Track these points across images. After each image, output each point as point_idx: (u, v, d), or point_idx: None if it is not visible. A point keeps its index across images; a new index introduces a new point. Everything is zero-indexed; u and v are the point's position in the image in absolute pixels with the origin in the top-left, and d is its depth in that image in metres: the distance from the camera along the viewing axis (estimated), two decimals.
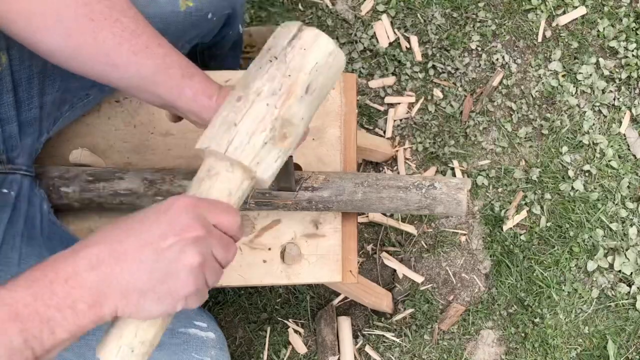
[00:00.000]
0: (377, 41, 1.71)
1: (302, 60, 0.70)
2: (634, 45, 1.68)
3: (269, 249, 1.03)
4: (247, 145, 0.67)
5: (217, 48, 1.23)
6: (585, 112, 1.65)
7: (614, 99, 1.66)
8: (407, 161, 1.63)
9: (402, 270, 1.55)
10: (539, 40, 1.71)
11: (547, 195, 1.59)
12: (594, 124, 1.64)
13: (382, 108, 1.67)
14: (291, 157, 0.88)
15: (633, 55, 1.68)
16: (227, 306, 1.54)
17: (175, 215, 0.62)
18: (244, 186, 0.69)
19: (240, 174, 0.68)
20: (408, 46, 1.71)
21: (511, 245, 1.56)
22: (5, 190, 0.90)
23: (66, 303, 0.57)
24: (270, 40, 0.72)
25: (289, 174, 0.92)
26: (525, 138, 1.64)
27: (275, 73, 0.69)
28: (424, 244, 1.58)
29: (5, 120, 0.89)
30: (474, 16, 1.72)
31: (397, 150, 1.63)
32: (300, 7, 1.75)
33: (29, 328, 0.55)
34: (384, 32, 1.72)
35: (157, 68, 0.75)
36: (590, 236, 1.56)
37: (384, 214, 1.58)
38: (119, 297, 0.59)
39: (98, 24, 0.73)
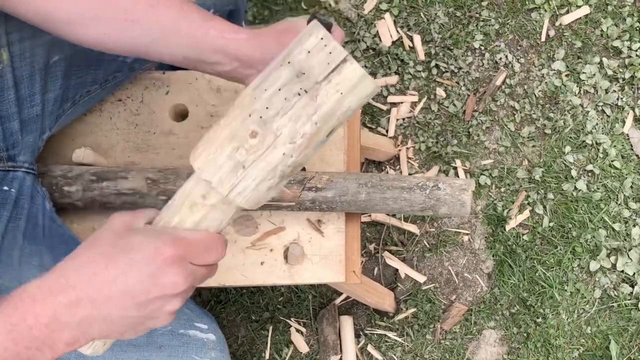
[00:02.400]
0: (380, 40, 1.71)
1: (336, 105, 0.59)
2: (638, 45, 1.67)
3: (271, 249, 1.03)
4: (252, 193, 0.62)
5: None
6: (588, 111, 1.64)
7: (618, 99, 1.65)
8: (409, 160, 1.63)
9: (404, 269, 1.55)
10: (543, 39, 1.70)
11: (550, 195, 1.58)
12: (597, 124, 1.63)
13: (384, 107, 1.67)
14: None
15: (637, 55, 1.67)
16: (229, 305, 1.53)
17: (161, 271, 0.59)
18: (236, 215, 0.66)
19: (235, 207, 0.64)
20: (411, 45, 1.70)
21: (514, 245, 1.56)
22: (5, 188, 0.89)
23: (46, 344, 0.58)
24: (299, 52, 0.59)
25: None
26: (528, 138, 1.63)
27: (300, 113, 0.59)
28: (427, 244, 1.58)
29: (6, 117, 0.89)
30: (477, 15, 1.72)
31: (399, 150, 1.63)
32: (303, 5, 1.75)
33: None
34: (386, 30, 1.71)
35: (177, 15, 0.75)
36: (593, 236, 1.55)
37: (387, 214, 1.58)
38: (97, 334, 0.60)
39: None
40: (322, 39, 0.58)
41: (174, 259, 0.59)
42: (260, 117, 0.59)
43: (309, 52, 0.58)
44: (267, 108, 0.59)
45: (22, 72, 0.88)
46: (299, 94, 0.58)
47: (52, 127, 0.97)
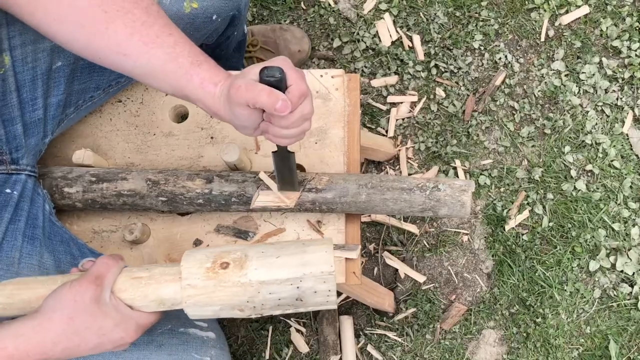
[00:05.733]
0: (380, 40, 1.71)
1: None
2: (637, 44, 1.67)
3: None
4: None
5: (222, 49, 1.23)
6: (587, 111, 1.64)
7: (617, 99, 1.65)
8: (409, 160, 1.63)
9: (404, 269, 1.55)
10: (542, 39, 1.70)
11: (550, 195, 1.59)
12: (596, 124, 1.64)
13: (384, 107, 1.67)
14: (293, 154, 0.88)
15: (636, 55, 1.67)
16: None
17: (123, 339, 0.77)
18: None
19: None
20: (410, 45, 1.71)
21: (513, 245, 1.56)
22: (8, 191, 0.90)
23: None
24: (310, 287, 0.77)
25: (292, 171, 0.91)
26: (527, 138, 1.63)
27: (283, 310, 0.79)
28: (426, 244, 1.58)
29: (9, 120, 0.90)
30: (477, 15, 1.72)
31: (399, 150, 1.63)
32: (302, 5, 1.75)
33: None
34: (386, 31, 1.71)
35: (167, 57, 0.77)
36: (593, 236, 1.55)
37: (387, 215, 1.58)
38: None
39: (110, 14, 0.75)
40: (329, 291, 0.77)
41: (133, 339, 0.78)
42: (254, 307, 0.76)
43: (315, 292, 0.76)
44: (262, 305, 0.76)
45: (25, 77, 0.89)
46: (290, 305, 0.77)
47: (55, 131, 0.97)
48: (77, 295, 0.73)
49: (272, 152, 0.87)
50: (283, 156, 0.88)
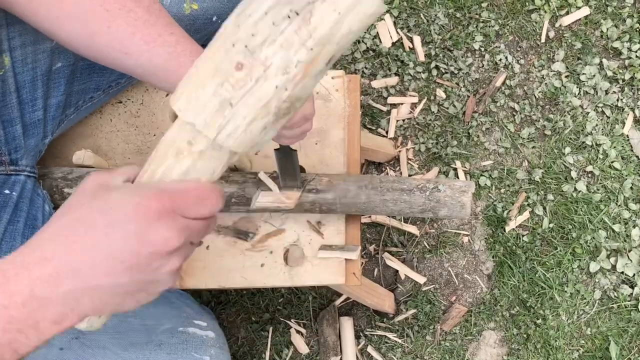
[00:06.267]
0: (380, 41, 1.71)
1: (334, 27, 0.50)
2: (638, 46, 1.67)
3: (271, 251, 1.03)
4: (243, 134, 0.54)
5: None
6: (588, 113, 1.64)
7: (617, 100, 1.65)
8: (409, 161, 1.63)
9: (404, 270, 1.55)
10: (542, 40, 1.70)
11: (550, 196, 1.59)
12: (597, 125, 1.64)
13: (384, 108, 1.67)
14: (296, 151, 0.88)
15: (636, 56, 1.67)
16: (229, 306, 1.54)
17: (146, 226, 0.52)
18: (231, 160, 0.58)
19: (227, 152, 0.56)
20: (411, 46, 1.71)
21: (513, 246, 1.56)
22: (7, 191, 0.90)
23: (27, 324, 0.51)
24: None
25: (294, 169, 0.91)
26: (528, 139, 1.63)
27: (293, 38, 0.50)
28: (427, 245, 1.58)
29: (8, 121, 0.90)
30: (477, 16, 1.72)
31: (399, 151, 1.63)
32: None
33: None
34: (387, 32, 1.71)
35: (168, 56, 0.77)
36: (593, 237, 1.55)
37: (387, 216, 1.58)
38: (91, 310, 0.54)
39: (112, 13, 0.75)
40: None
41: (160, 212, 0.53)
42: (246, 46, 0.51)
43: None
44: (252, 35, 0.51)
45: (24, 77, 0.89)
46: (289, 17, 0.50)
47: (54, 132, 0.98)
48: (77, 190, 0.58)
49: (275, 149, 0.87)
50: (285, 154, 0.88)
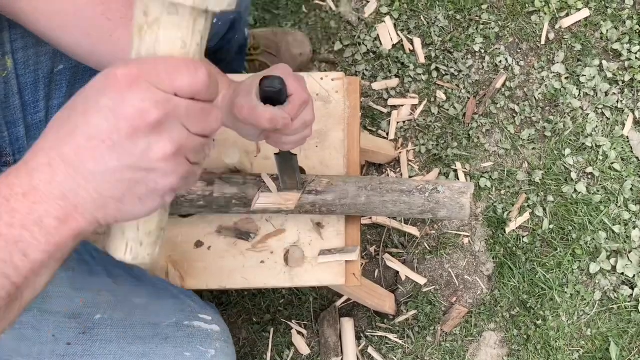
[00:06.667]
0: (381, 43, 1.72)
1: None
2: (637, 47, 1.68)
3: (272, 252, 1.03)
4: None
5: (223, 52, 1.24)
6: (588, 114, 1.65)
7: (617, 102, 1.66)
8: (410, 163, 1.63)
9: (405, 271, 1.56)
10: (542, 42, 1.71)
11: (550, 198, 1.59)
12: (597, 127, 1.64)
13: (385, 110, 1.67)
14: (296, 156, 0.89)
15: (636, 58, 1.68)
16: (230, 307, 1.54)
17: (119, 97, 0.48)
18: (199, 27, 0.52)
19: (187, 13, 0.51)
20: (411, 48, 1.71)
21: (514, 248, 1.56)
22: None
23: (31, 220, 0.49)
24: None
25: (294, 172, 0.92)
26: (528, 140, 1.64)
27: None
28: (427, 246, 1.58)
29: (12, 122, 0.91)
30: (478, 18, 1.73)
31: (400, 152, 1.63)
32: (304, 9, 1.76)
33: None
34: (387, 34, 1.72)
35: None
36: (593, 238, 1.56)
37: (387, 217, 1.58)
38: (93, 207, 0.51)
39: (114, 22, 0.76)
40: None
41: (129, 81, 0.48)
42: None
43: None
44: None
45: (27, 79, 0.90)
46: None
47: None
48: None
49: (275, 154, 0.88)
50: (285, 158, 0.88)
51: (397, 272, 1.56)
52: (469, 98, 1.67)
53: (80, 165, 0.49)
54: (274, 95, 0.73)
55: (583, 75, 1.67)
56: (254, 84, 0.75)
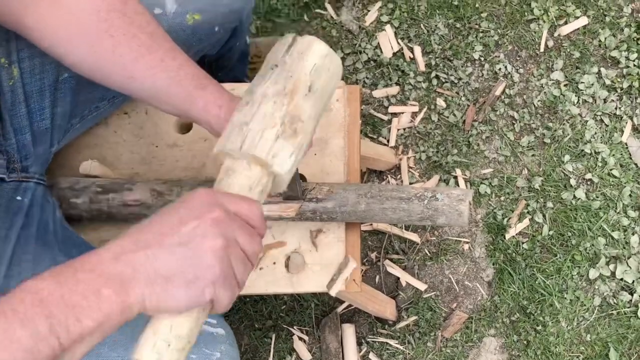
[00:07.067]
0: (381, 51, 1.73)
1: (301, 63, 0.74)
2: (635, 55, 1.69)
3: (274, 262, 1.05)
4: (260, 140, 0.69)
5: (225, 60, 1.25)
6: (587, 121, 1.66)
7: (616, 109, 1.67)
8: (410, 170, 1.65)
9: (405, 278, 1.57)
10: (541, 50, 1.72)
11: (550, 204, 1.60)
12: (595, 133, 1.65)
13: (385, 117, 1.69)
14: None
15: (634, 65, 1.69)
16: (232, 313, 1.55)
17: (194, 202, 0.63)
18: (263, 181, 0.71)
19: (258, 170, 0.70)
20: (412, 56, 1.73)
21: (513, 254, 1.57)
22: (19, 198, 0.92)
23: (91, 289, 0.56)
24: (269, 55, 0.77)
25: (296, 182, 0.94)
26: (527, 147, 1.65)
27: (277, 77, 0.73)
28: (427, 252, 1.59)
29: (19, 130, 0.93)
30: (477, 26, 1.74)
31: (400, 159, 1.65)
32: (305, 18, 1.78)
33: (54, 314, 0.54)
34: (387, 42, 1.74)
35: (171, 81, 0.80)
36: (592, 244, 1.57)
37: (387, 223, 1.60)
38: (144, 283, 0.59)
39: (117, 39, 0.78)
40: (280, 41, 0.76)
41: (205, 194, 0.65)
42: (249, 92, 0.74)
43: (272, 51, 0.77)
44: (251, 87, 0.75)
45: (32, 87, 0.92)
46: (271, 69, 0.74)
47: (61, 141, 1.00)
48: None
49: None
50: None
51: (398, 278, 1.58)
52: (468, 105, 1.68)
53: (145, 247, 0.60)
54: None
55: (582, 83, 1.68)
56: None
